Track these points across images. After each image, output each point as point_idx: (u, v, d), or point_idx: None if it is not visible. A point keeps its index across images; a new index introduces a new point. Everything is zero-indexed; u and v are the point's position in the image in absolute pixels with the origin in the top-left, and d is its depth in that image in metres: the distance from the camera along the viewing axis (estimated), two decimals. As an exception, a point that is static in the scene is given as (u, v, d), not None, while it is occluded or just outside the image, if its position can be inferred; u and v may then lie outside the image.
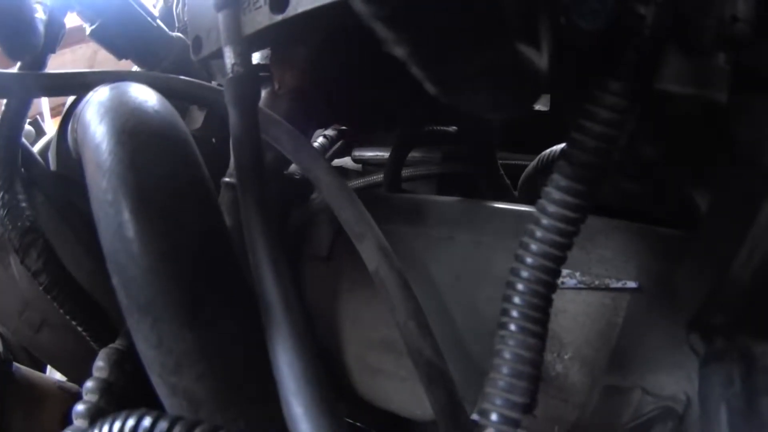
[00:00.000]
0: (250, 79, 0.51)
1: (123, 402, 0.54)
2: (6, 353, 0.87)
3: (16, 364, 0.85)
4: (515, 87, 0.42)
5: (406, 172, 1.03)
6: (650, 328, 0.55)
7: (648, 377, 0.54)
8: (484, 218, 0.68)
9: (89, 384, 0.56)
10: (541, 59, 0.39)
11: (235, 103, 0.51)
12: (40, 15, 0.70)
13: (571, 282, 0.58)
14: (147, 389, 0.49)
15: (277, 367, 0.44)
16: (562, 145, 0.78)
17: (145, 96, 0.52)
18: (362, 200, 0.61)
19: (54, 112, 2.09)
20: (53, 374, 1.03)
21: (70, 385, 0.88)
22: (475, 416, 0.41)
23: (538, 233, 0.41)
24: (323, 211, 0.76)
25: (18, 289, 0.86)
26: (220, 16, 0.53)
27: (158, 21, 0.91)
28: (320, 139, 1.09)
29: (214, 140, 0.92)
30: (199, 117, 0.91)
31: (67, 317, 0.75)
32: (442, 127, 1.01)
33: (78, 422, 0.53)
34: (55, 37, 0.76)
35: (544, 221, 0.41)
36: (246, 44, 0.52)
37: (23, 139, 0.82)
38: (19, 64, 0.72)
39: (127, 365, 0.57)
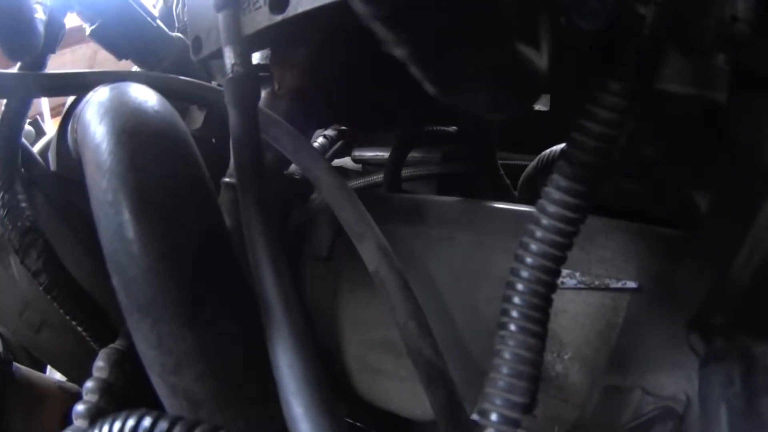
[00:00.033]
0: (250, 79, 0.51)
1: (123, 402, 0.54)
2: (6, 353, 0.87)
3: (16, 364, 0.85)
4: (515, 87, 0.42)
5: (406, 172, 1.03)
6: (650, 328, 0.55)
7: (648, 377, 0.54)
8: (484, 218, 0.68)
9: (89, 384, 0.56)
10: (541, 59, 0.39)
11: (235, 103, 0.51)
12: (40, 15, 0.70)
13: (571, 282, 0.58)
14: (147, 389, 0.49)
15: (277, 367, 0.44)
16: (562, 145, 0.78)
17: (145, 96, 0.52)
18: (362, 200, 0.61)
19: (54, 112, 2.09)
20: (53, 374, 1.03)
21: (70, 385, 0.88)
22: (475, 416, 0.41)
23: (538, 233, 0.41)
24: (323, 211, 0.76)
25: (18, 289, 0.86)
26: (220, 17, 0.53)
27: (158, 21, 0.91)
28: (320, 139, 1.09)
29: (214, 140, 0.92)
30: (199, 117, 0.91)
31: (67, 317, 0.75)
32: (442, 127, 1.01)
33: (78, 422, 0.53)
34: (55, 37, 0.76)
35: (544, 221, 0.41)
36: (246, 44, 0.52)
37: (23, 139, 0.82)
38: (19, 64, 0.72)
39: (127, 365, 0.57)
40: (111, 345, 0.59)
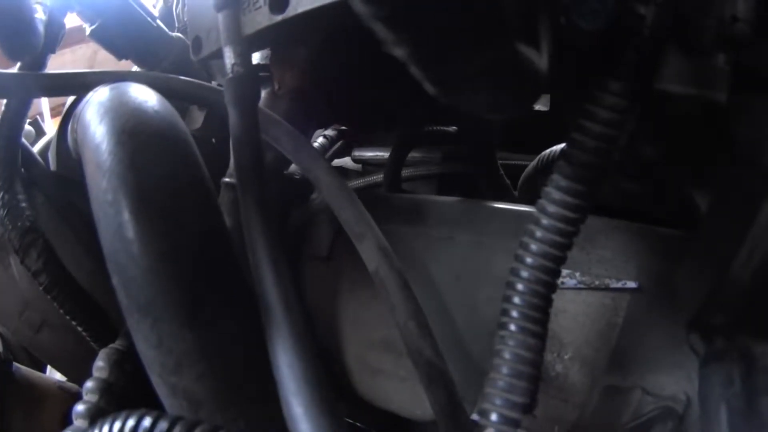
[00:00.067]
0: (250, 79, 0.51)
1: (123, 402, 0.54)
2: (6, 353, 0.87)
3: (16, 364, 0.85)
4: (515, 87, 0.42)
5: (406, 172, 1.03)
6: (650, 328, 0.55)
7: (648, 377, 0.54)
8: (484, 218, 0.68)
9: (89, 384, 0.56)
10: (541, 59, 0.39)
11: (235, 103, 0.51)
12: (40, 15, 0.70)
13: (571, 282, 0.58)
14: (147, 389, 0.49)
15: (277, 367, 0.44)
16: (562, 145, 0.78)
17: (145, 96, 0.52)
18: (362, 200, 0.61)
19: (54, 112, 2.09)
20: (53, 374, 1.03)
21: (70, 385, 0.88)
22: (475, 416, 0.41)
23: (538, 233, 0.41)
24: (323, 211, 0.76)
25: (18, 289, 0.86)
26: (220, 17, 0.53)
27: (158, 21, 0.91)
28: (320, 139, 1.09)
29: (214, 140, 0.92)
30: (199, 117, 0.91)
31: (67, 317, 0.75)
32: (442, 127, 1.01)
33: (78, 422, 0.53)
34: (55, 37, 0.76)
35: (544, 221, 0.41)
36: (246, 44, 0.52)
37: (23, 139, 0.82)
38: (19, 64, 0.72)
39: (127, 365, 0.57)
40: (111, 345, 0.59)
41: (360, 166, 1.18)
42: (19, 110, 0.78)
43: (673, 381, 0.52)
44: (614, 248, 0.58)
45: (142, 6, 0.88)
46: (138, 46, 0.90)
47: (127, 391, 0.56)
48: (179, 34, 0.95)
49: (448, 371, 0.54)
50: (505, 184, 1.00)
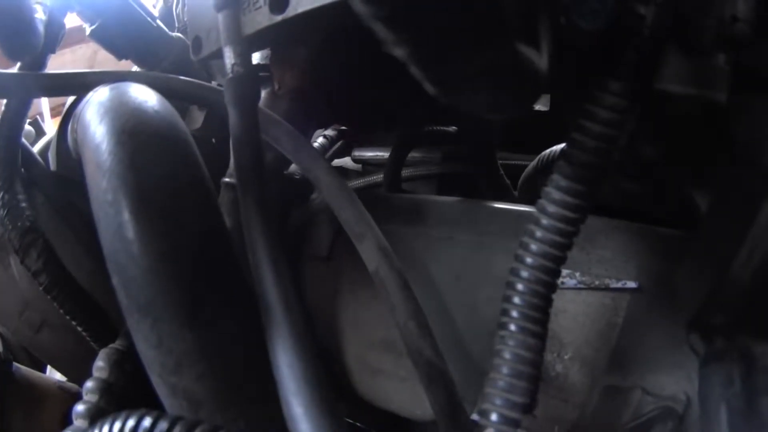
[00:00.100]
0: (250, 79, 0.51)
1: (123, 402, 0.54)
2: (6, 353, 0.87)
3: (16, 364, 0.85)
4: (515, 87, 0.42)
5: (406, 172, 1.03)
6: (650, 328, 0.55)
7: (648, 377, 0.54)
8: (484, 218, 0.68)
9: (89, 384, 0.56)
10: (541, 59, 0.39)
11: (235, 103, 0.51)
12: (40, 15, 0.70)
13: (571, 282, 0.58)
14: (147, 389, 0.49)
15: (277, 367, 0.44)
16: (562, 145, 0.78)
17: (145, 96, 0.52)
18: (362, 200, 0.61)
19: (54, 112, 2.09)
20: (53, 374, 1.03)
21: (70, 385, 0.88)
22: (475, 416, 0.41)
23: (538, 233, 0.41)
24: (323, 211, 0.76)
25: (18, 289, 0.86)
26: (220, 17, 0.53)
27: (158, 21, 0.91)
28: (320, 139, 1.09)
29: (214, 140, 0.92)
30: (199, 117, 0.91)
31: (67, 317, 0.75)
32: (442, 127, 1.01)
33: (78, 422, 0.53)
34: (55, 37, 0.76)
35: (544, 221, 0.41)
36: (246, 44, 0.52)
37: (23, 139, 0.82)
38: (19, 64, 0.72)
39: (127, 365, 0.57)
40: (111, 345, 0.59)
41: (360, 166, 1.18)
42: (19, 110, 0.78)
43: (673, 381, 0.52)
44: (614, 248, 0.58)
45: (142, 6, 0.88)
46: (138, 46, 0.90)
47: (127, 391, 0.56)
48: (179, 34, 0.95)
49: (448, 371, 0.54)
50: (505, 184, 1.00)
